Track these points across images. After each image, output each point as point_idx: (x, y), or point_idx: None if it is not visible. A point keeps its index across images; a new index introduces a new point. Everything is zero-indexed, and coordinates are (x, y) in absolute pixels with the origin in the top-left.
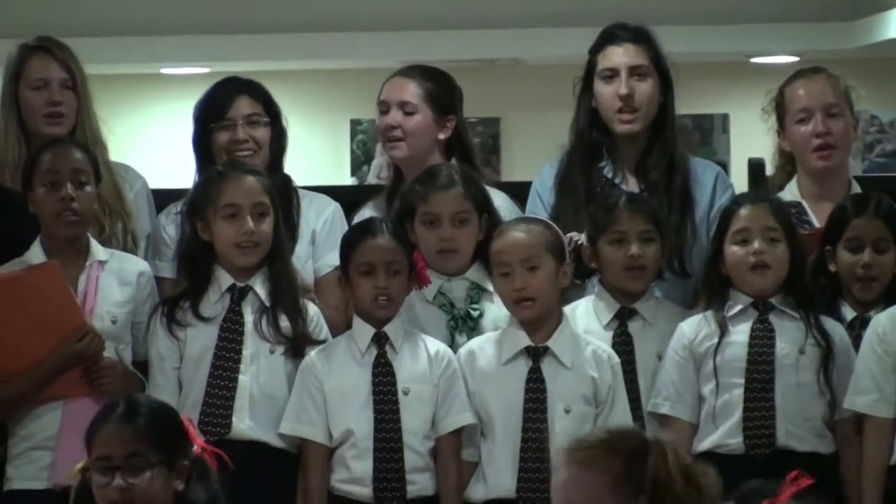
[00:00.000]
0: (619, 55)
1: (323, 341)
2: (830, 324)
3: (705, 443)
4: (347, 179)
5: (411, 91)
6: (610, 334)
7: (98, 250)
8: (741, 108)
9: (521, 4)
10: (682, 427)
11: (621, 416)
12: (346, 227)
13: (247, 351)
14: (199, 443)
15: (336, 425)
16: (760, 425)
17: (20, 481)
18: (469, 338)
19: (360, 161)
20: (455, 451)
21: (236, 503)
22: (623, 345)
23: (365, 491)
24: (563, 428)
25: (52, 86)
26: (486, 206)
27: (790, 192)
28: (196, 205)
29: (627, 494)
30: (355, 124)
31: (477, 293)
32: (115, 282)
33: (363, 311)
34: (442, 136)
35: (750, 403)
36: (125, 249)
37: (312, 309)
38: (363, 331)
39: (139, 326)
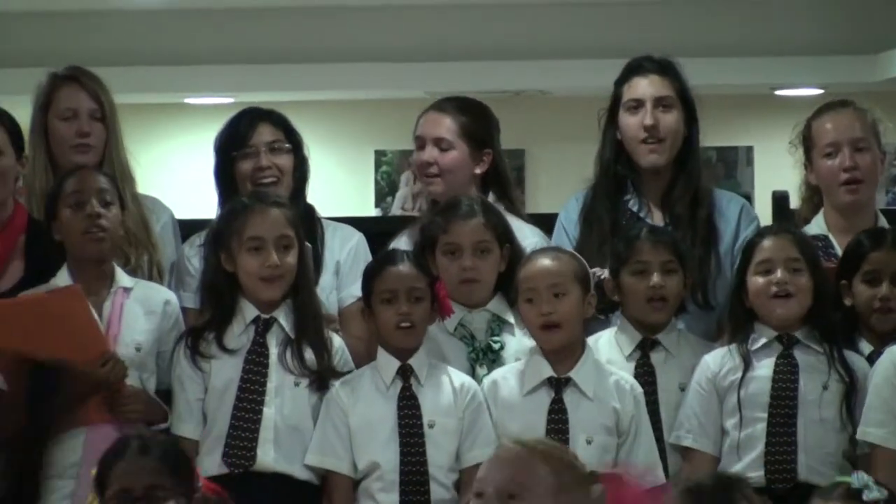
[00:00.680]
0: (645, 86)
1: (347, 373)
2: (854, 358)
3: None
4: (371, 210)
5: (446, 126)
6: (632, 365)
7: (123, 277)
8: (766, 140)
9: (546, 36)
10: (705, 459)
11: (646, 447)
12: (370, 258)
13: (271, 383)
14: (203, 481)
15: (361, 457)
16: (782, 460)
17: None
18: (490, 370)
19: (384, 192)
20: None
21: None
22: (645, 375)
23: None
24: (585, 459)
25: (82, 117)
26: (507, 237)
27: (817, 225)
28: (220, 236)
29: None
30: (380, 155)
31: (498, 325)
32: (140, 310)
33: (387, 342)
34: (479, 171)
35: (772, 438)
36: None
37: (337, 341)
38: (388, 363)
39: (164, 355)
